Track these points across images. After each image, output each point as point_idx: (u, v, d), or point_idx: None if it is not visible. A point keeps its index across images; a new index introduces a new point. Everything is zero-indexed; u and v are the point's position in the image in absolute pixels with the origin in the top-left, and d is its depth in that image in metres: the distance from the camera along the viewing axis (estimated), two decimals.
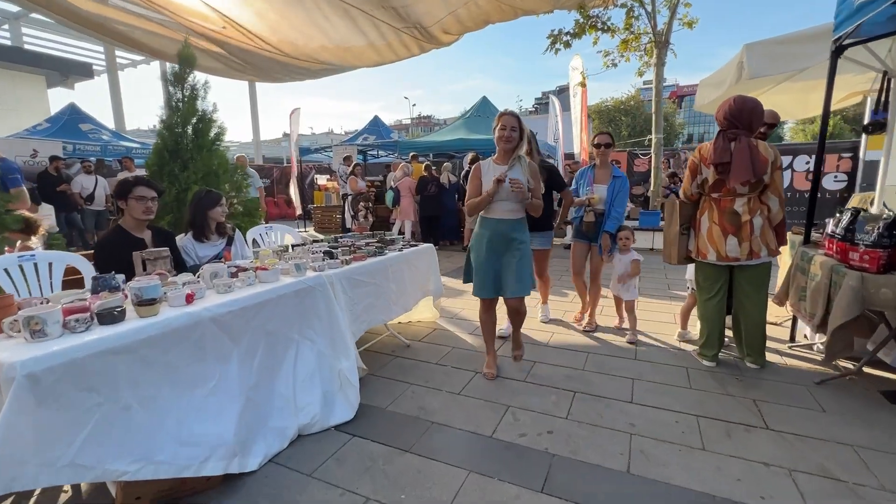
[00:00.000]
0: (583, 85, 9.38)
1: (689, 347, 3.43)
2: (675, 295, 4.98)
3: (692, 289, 3.52)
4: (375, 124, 12.88)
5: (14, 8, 13.16)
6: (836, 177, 9.88)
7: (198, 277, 2.16)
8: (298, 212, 12.04)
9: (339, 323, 2.46)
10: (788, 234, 3.56)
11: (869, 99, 4.62)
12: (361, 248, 2.99)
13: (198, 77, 3.74)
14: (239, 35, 6.61)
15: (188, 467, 1.68)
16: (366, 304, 2.81)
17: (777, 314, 4.02)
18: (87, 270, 2.61)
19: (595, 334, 3.72)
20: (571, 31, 8.37)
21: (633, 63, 9.31)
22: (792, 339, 3.52)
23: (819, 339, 3.28)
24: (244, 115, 20.22)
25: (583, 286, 3.87)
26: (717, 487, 1.85)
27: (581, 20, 8.42)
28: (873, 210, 3.31)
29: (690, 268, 3.35)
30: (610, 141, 3.58)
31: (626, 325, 3.72)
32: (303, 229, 11.78)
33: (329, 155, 12.03)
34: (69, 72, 15.75)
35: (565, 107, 11.70)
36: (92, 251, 2.79)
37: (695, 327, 3.70)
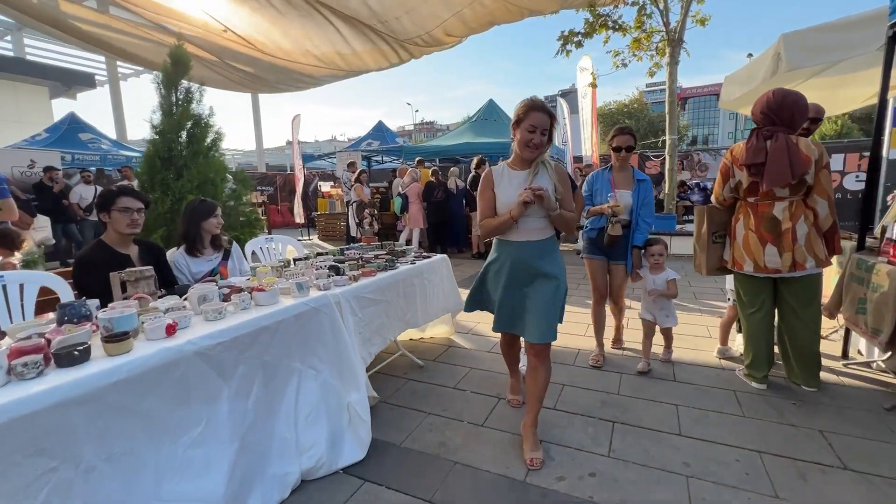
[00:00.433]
0: (593, 86, 9.12)
1: (731, 365, 3.11)
2: (705, 305, 4.65)
3: (732, 300, 3.20)
4: (380, 129, 12.66)
5: None
6: (857, 176, 9.54)
7: (185, 300, 1.88)
8: (299, 220, 11.79)
9: (347, 349, 2.17)
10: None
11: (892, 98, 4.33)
12: (371, 262, 2.70)
13: (192, 79, 3.49)
14: (239, 40, 6.42)
15: None
16: (376, 325, 2.52)
17: (823, 326, 3.69)
18: (65, 292, 2.33)
19: (624, 353, 3.40)
20: (583, 31, 8.12)
21: (639, 64, 9.07)
22: (845, 354, 3.19)
23: (880, 356, 2.96)
24: (247, 123, 20.12)
25: (602, 316, 3.21)
26: None
27: (591, 19, 8.19)
28: None
29: (730, 277, 3.03)
30: (632, 143, 2.97)
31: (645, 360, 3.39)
32: (306, 237, 11.54)
33: (333, 162, 11.81)
34: (71, 82, 15.68)
35: (573, 109, 11.44)
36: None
37: (734, 341, 3.39)
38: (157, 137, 3.33)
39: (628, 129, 3.04)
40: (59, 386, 1.20)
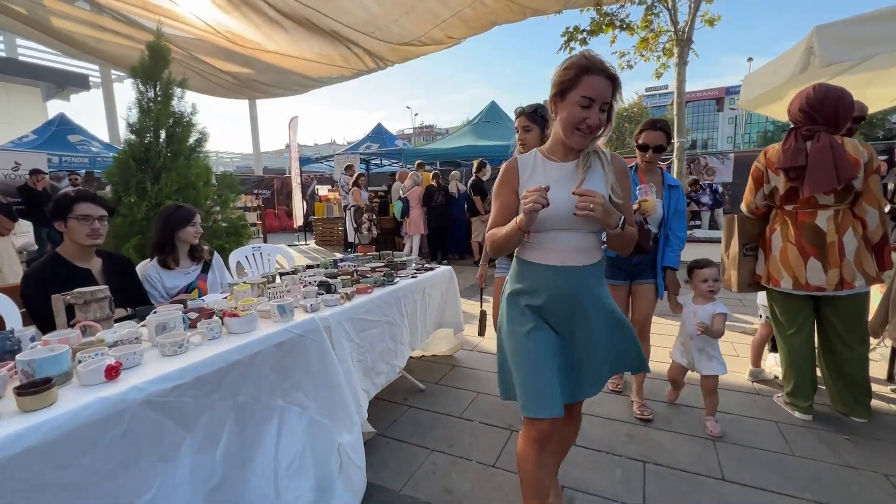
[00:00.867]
0: None
1: (766, 389, 2.81)
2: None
3: (766, 317, 2.90)
4: (379, 132, 12.38)
5: None
6: None
7: (142, 326, 1.57)
8: (298, 223, 11.49)
9: (339, 381, 1.86)
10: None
11: None
12: (367, 277, 2.40)
13: (173, 74, 3.19)
14: (235, 39, 6.16)
15: None
16: (380, 350, 2.22)
17: None
18: (11, 313, 2.02)
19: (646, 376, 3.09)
20: (588, 29, 7.87)
21: (640, 68, 8.88)
22: (891, 377, 2.89)
23: None
24: (245, 127, 19.85)
25: None
26: None
27: (597, 17, 7.94)
28: None
29: (763, 292, 2.73)
30: (664, 143, 2.37)
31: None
32: (303, 242, 11.24)
33: (331, 165, 11.53)
34: (65, 83, 15.42)
35: None
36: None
37: (765, 360, 3.09)
38: (133, 137, 3.03)
39: (661, 124, 2.40)
40: None
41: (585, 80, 1.29)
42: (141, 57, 3.04)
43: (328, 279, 2.23)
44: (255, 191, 14.40)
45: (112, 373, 1.20)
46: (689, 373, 2.54)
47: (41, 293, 1.93)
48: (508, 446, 2.25)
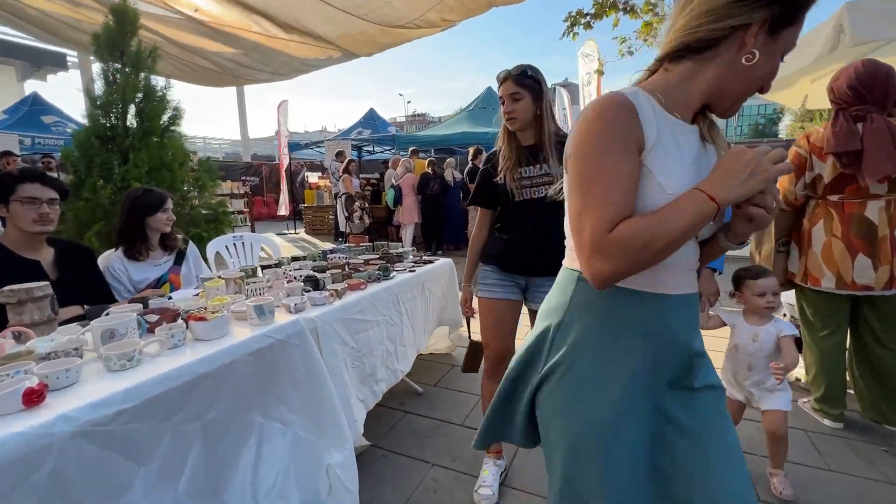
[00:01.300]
0: (599, 72, 8.56)
1: None
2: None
3: (791, 317, 2.70)
4: (371, 118, 11.98)
5: None
6: None
7: (85, 333, 1.30)
8: (282, 211, 11.12)
9: (328, 392, 1.61)
10: None
11: None
12: (360, 271, 2.14)
13: (143, 42, 2.86)
14: (210, 19, 5.73)
15: None
16: (380, 353, 1.98)
17: None
18: None
19: None
20: (592, 12, 7.57)
21: (634, 57, 8.54)
22: None
23: None
24: (232, 112, 19.24)
25: None
26: None
27: (600, 0, 7.63)
28: None
29: (791, 291, 2.51)
30: None
31: None
32: (292, 231, 10.90)
33: (321, 151, 11.14)
34: (41, 62, 14.72)
35: (574, 99, 10.92)
36: None
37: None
38: (97, 113, 2.71)
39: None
40: None
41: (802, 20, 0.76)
42: (104, 23, 2.70)
43: (316, 274, 1.97)
44: (243, 177, 13.98)
45: (33, 398, 0.93)
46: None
47: None
48: (517, 462, 2.03)
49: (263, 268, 2.18)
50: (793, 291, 2.40)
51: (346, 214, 7.98)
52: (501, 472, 1.87)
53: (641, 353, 0.82)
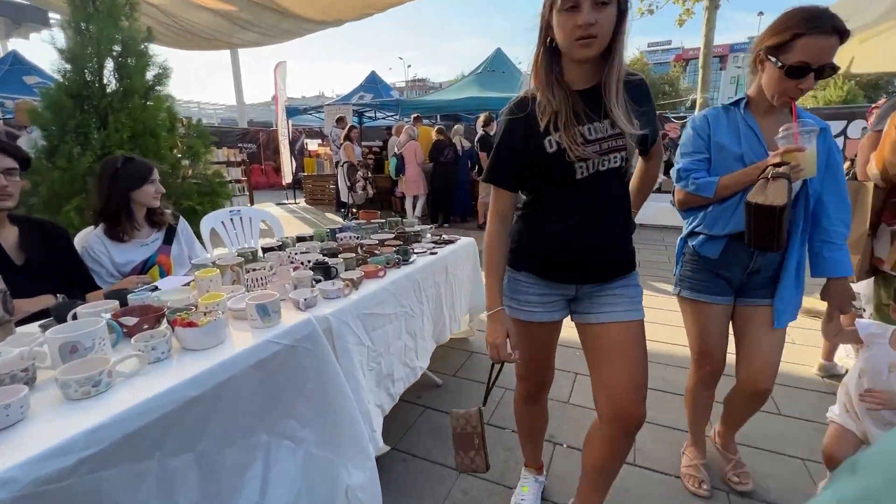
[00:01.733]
0: None
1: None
2: None
3: (861, 310, 2.43)
4: (373, 81, 11.39)
5: None
6: None
7: (41, 346, 1.03)
8: (288, 179, 10.73)
9: (345, 403, 1.36)
10: None
11: None
12: (376, 255, 1.86)
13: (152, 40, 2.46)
14: None
15: None
16: (397, 350, 1.72)
17: None
18: None
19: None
20: None
21: (645, 22, 7.96)
22: None
23: None
24: (227, 75, 18.43)
25: (708, 408, 1.77)
26: None
27: None
28: None
29: (867, 280, 2.22)
30: (833, 60, 1.20)
31: None
32: (292, 200, 10.54)
33: (320, 117, 10.62)
34: (22, 19, 13.88)
35: None
36: None
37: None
38: (67, 67, 2.35)
39: (835, 22, 1.17)
40: None
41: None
42: None
43: (326, 259, 1.69)
44: (240, 144, 13.48)
45: None
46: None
47: None
48: (554, 467, 1.82)
49: (265, 250, 1.89)
50: (869, 281, 2.13)
51: (349, 184, 7.62)
52: (542, 489, 1.65)
53: None
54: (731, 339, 1.61)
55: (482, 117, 7.08)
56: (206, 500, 1.05)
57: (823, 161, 1.35)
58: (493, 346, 1.20)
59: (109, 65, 2.45)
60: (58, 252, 1.77)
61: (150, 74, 2.67)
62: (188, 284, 1.57)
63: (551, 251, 1.20)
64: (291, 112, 10.61)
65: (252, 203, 9.54)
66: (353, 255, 1.79)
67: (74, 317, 1.14)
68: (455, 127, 7.56)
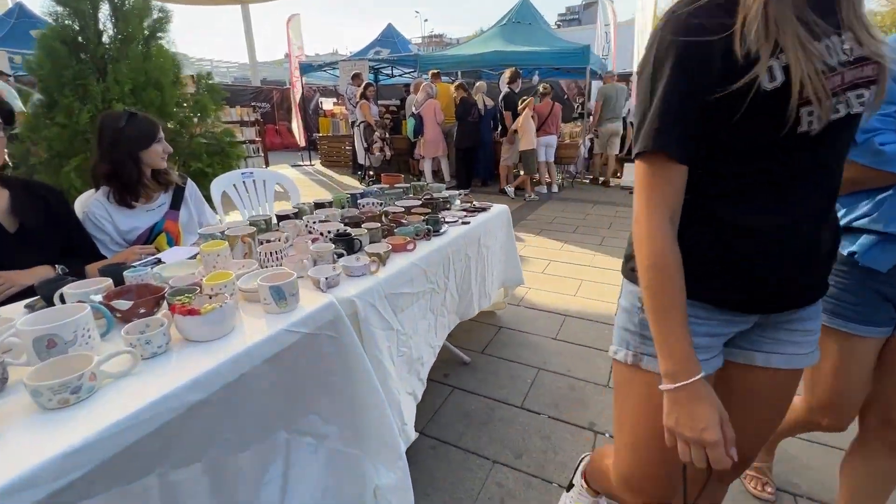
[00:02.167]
0: None
1: None
2: None
3: None
4: (390, 35, 10.78)
5: None
6: None
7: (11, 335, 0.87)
8: (302, 142, 10.47)
9: (373, 395, 1.20)
10: None
11: None
12: (403, 225, 1.65)
13: None
14: None
15: None
16: (423, 331, 1.55)
17: None
18: None
19: None
20: None
21: None
22: None
23: None
24: (238, 31, 17.82)
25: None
26: None
27: None
28: None
29: None
30: None
31: None
32: (307, 162, 10.31)
33: (335, 74, 10.17)
34: None
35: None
36: None
37: None
38: (59, 9, 2.11)
39: None
40: None
41: None
42: None
43: (350, 230, 1.49)
44: (253, 103, 13.16)
45: None
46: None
47: None
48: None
49: (280, 218, 1.70)
50: None
51: (365, 146, 7.33)
52: None
53: None
54: None
55: (507, 73, 6.63)
56: None
57: None
58: (701, 442, 0.69)
59: (105, 8, 2.21)
60: (55, 218, 1.60)
61: (147, 21, 2.41)
62: (195, 257, 1.39)
63: (756, 262, 0.73)
64: (305, 69, 10.18)
65: (267, 165, 9.35)
66: (378, 224, 1.59)
67: (62, 299, 0.98)
68: (477, 84, 7.12)
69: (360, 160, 7.75)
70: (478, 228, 1.94)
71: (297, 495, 1.09)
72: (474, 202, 2.20)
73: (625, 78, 9.78)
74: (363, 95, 7.32)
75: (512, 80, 6.41)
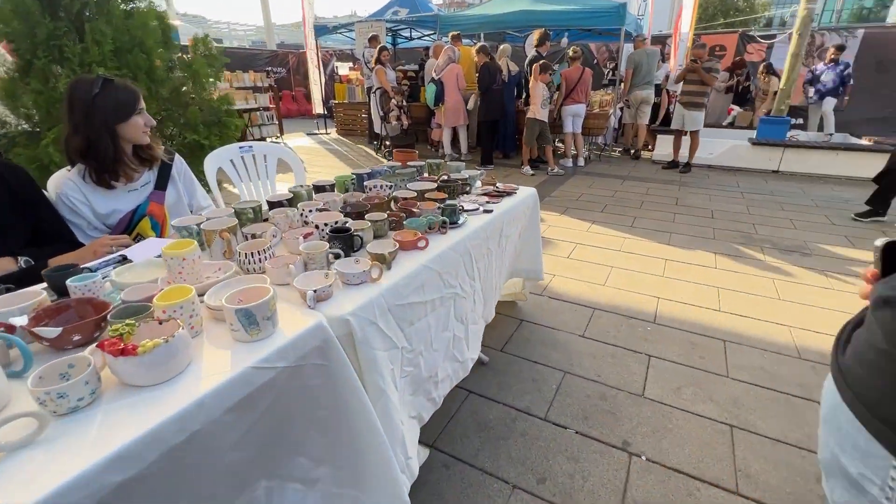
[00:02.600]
0: None
1: None
2: None
3: None
4: None
5: None
6: None
7: None
8: (318, 109, 10.14)
9: (370, 428, 0.99)
10: None
11: None
12: (414, 215, 1.40)
13: None
14: None
15: None
16: (442, 343, 1.33)
17: None
18: None
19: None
20: None
21: None
22: None
23: None
24: None
25: None
26: None
27: None
28: None
29: None
30: None
31: None
32: (323, 130, 10.01)
33: (351, 37, 9.69)
34: None
35: None
36: None
37: None
38: None
39: None
40: None
41: None
42: None
43: (349, 221, 1.24)
44: (268, 68, 12.79)
45: None
46: None
47: None
48: (632, 490, 1.45)
49: (271, 205, 1.47)
50: None
51: (382, 114, 6.98)
52: None
53: None
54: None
55: (535, 35, 6.12)
56: None
57: None
58: None
59: None
60: (18, 200, 1.41)
61: None
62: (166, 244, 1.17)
63: None
64: (320, 31, 9.72)
65: (282, 133, 9.10)
66: (385, 215, 1.34)
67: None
68: (501, 47, 6.61)
69: (377, 129, 7.42)
70: (501, 217, 1.67)
71: None
72: (497, 184, 1.92)
73: (661, 41, 9.04)
74: (378, 60, 6.91)
75: (540, 43, 5.92)
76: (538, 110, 5.40)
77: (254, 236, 1.18)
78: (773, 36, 8.51)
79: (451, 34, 7.05)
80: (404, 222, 1.34)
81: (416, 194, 1.61)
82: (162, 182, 1.73)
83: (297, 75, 14.13)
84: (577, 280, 2.88)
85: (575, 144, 6.27)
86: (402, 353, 1.13)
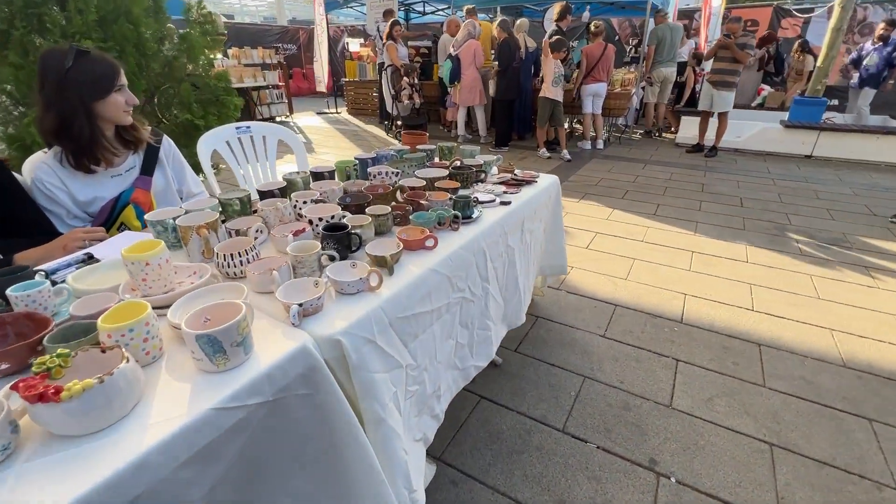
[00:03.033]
0: None
1: None
2: None
3: None
4: None
5: None
6: None
7: None
8: (321, 88, 9.89)
9: (365, 460, 0.84)
10: None
11: None
12: (422, 209, 1.23)
13: None
14: None
15: None
16: (448, 350, 1.18)
17: None
18: None
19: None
20: None
21: None
22: None
23: None
24: None
25: None
26: None
27: None
28: None
29: None
30: None
31: None
32: (333, 109, 9.78)
33: (363, 11, 9.35)
34: None
35: None
36: None
37: None
38: None
39: None
40: None
41: None
42: None
43: (347, 216, 1.08)
44: (278, 44, 12.51)
45: None
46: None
47: None
48: (663, 500, 1.30)
49: (262, 195, 1.31)
50: None
51: (393, 92, 6.73)
52: None
53: None
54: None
55: (556, 8, 5.76)
56: None
57: None
58: None
59: None
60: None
61: None
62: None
63: None
64: (331, 5, 9.38)
65: (291, 111, 8.90)
66: (388, 208, 1.17)
67: None
68: (518, 22, 6.27)
69: (388, 108, 7.18)
70: (521, 209, 1.49)
71: None
72: (516, 171, 1.73)
73: (688, 15, 8.55)
74: (389, 35, 6.62)
75: (561, 17, 5.57)
76: (550, 88, 5.12)
77: (238, 233, 1.03)
78: (811, 10, 7.96)
79: (465, 8, 6.72)
80: (410, 217, 1.18)
81: (424, 183, 1.43)
82: (148, 167, 1.58)
83: (308, 52, 13.80)
84: (596, 273, 2.70)
85: (594, 126, 5.97)
86: (407, 372, 0.98)
